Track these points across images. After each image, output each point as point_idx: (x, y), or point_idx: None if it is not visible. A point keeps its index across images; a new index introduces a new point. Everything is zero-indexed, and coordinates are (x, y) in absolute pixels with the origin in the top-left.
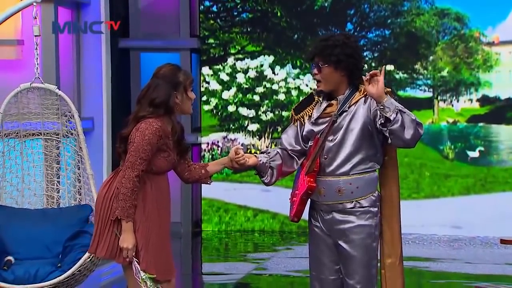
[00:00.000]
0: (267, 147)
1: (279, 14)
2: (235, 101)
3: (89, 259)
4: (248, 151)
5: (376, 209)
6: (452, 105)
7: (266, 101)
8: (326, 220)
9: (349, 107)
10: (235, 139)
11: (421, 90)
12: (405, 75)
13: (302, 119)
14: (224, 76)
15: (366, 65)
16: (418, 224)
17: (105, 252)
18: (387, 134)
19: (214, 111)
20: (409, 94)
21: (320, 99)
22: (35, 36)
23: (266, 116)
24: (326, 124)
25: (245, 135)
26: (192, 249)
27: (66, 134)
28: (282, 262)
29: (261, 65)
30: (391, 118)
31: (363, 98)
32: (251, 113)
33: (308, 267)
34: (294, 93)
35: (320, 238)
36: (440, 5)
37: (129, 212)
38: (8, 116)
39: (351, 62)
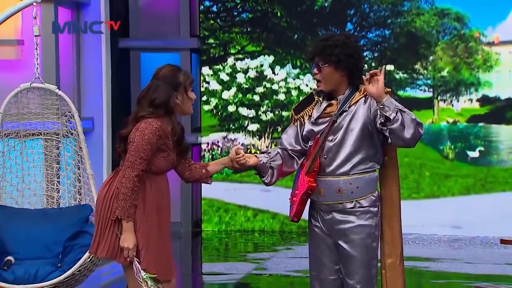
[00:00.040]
0: (267, 147)
1: (279, 14)
2: (235, 101)
3: (89, 259)
4: (248, 151)
5: (376, 209)
6: (452, 105)
7: (266, 101)
8: (326, 220)
9: (349, 107)
10: (235, 139)
11: (421, 90)
12: (405, 75)
13: (302, 119)
14: (224, 76)
15: (366, 65)
16: (418, 224)
17: (106, 252)
18: (387, 134)
19: (214, 111)
20: (409, 94)
21: (320, 99)
22: (35, 36)
23: (266, 116)
24: (326, 124)
25: (245, 135)
26: (192, 249)
27: (66, 134)
28: (282, 262)
29: (261, 65)
30: (391, 117)
31: (363, 98)
32: (251, 113)
33: (308, 267)
34: (294, 93)
35: (320, 238)
36: (440, 5)
37: (129, 212)
38: (8, 116)
39: (351, 62)
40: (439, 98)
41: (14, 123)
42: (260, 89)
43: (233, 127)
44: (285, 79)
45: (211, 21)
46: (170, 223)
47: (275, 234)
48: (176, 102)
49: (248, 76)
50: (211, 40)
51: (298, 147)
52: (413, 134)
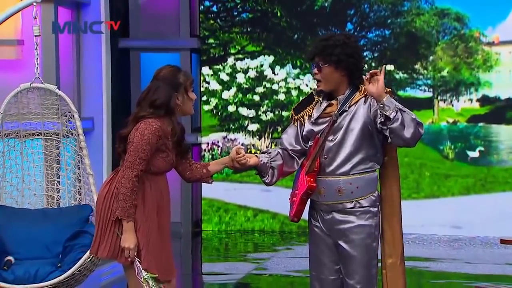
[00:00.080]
0: (267, 147)
1: (279, 14)
2: (235, 101)
3: (89, 259)
4: (248, 151)
5: (376, 209)
6: (452, 105)
7: (266, 101)
8: (326, 220)
9: (349, 107)
10: (235, 139)
11: (421, 90)
12: (405, 75)
13: (302, 119)
14: (224, 76)
15: (366, 65)
16: (418, 224)
17: (106, 252)
18: (387, 134)
19: (214, 111)
20: (409, 94)
21: (320, 99)
22: (35, 36)
23: (266, 116)
24: (326, 124)
25: (245, 135)
26: (192, 249)
27: (66, 134)
28: (282, 262)
29: (261, 65)
30: (391, 116)
31: (363, 98)
32: (251, 113)
33: (308, 267)
34: (294, 93)
35: (320, 238)
36: (440, 5)
37: (129, 212)
38: (8, 116)
39: (351, 62)
40: (439, 98)
41: (14, 123)
42: (260, 89)
43: (233, 127)
44: (285, 79)
45: (211, 21)
46: (170, 223)
47: (275, 234)
48: (176, 102)
49: (248, 76)
50: (211, 40)
51: (298, 147)
52: (413, 133)
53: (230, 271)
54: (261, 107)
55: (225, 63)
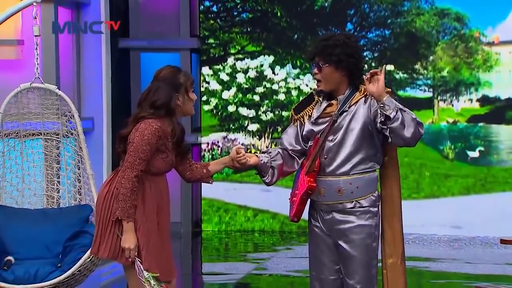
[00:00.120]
0: (267, 147)
1: (279, 14)
2: (235, 101)
3: (89, 259)
4: (248, 151)
5: (376, 209)
6: (452, 105)
7: (266, 101)
8: (326, 220)
9: (349, 107)
10: (235, 139)
11: (421, 90)
12: (405, 75)
13: (302, 119)
14: (224, 76)
15: (366, 65)
16: (418, 224)
17: (107, 253)
18: (387, 133)
19: (214, 111)
20: (409, 94)
21: (320, 99)
22: (35, 36)
23: (266, 116)
24: (326, 124)
25: (245, 135)
26: (192, 249)
27: (66, 134)
28: (282, 262)
29: (261, 65)
30: (391, 116)
31: (363, 98)
32: (251, 113)
33: (308, 267)
34: (294, 93)
35: (320, 238)
36: (440, 5)
37: (129, 213)
38: (8, 116)
39: (351, 62)
40: (439, 98)
41: (14, 123)
42: (260, 89)
43: (233, 127)
44: (285, 79)
45: (211, 21)
46: (170, 223)
47: (275, 234)
48: (177, 103)
49: (248, 76)
50: (211, 40)
51: (298, 147)
52: (413, 133)
53: (230, 271)
54: (261, 107)
55: (225, 63)
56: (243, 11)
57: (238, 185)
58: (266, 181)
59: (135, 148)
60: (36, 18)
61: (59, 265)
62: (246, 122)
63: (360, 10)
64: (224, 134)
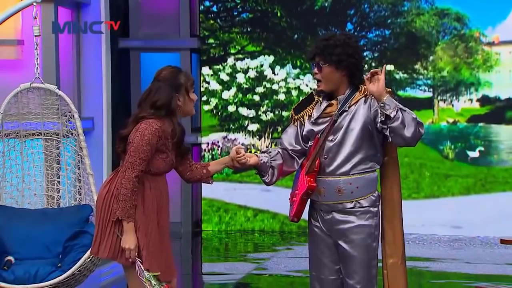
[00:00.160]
0: (267, 147)
1: (279, 14)
2: (235, 101)
3: (89, 259)
4: (248, 151)
5: (376, 209)
6: (452, 105)
7: (266, 101)
8: (326, 220)
9: (349, 107)
10: (235, 139)
11: (421, 90)
12: (405, 75)
13: (302, 119)
14: (224, 76)
15: (366, 65)
16: (418, 224)
17: (107, 253)
18: (387, 133)
19: (214, 111)
20: (409, 94)
21: (320, 99)
22: (35, 36)
23: (266, 116)
24: (326, 124)
25: (245, 135)
26: (192, 249)
27: (66, 134)
28: (282, 262)
29: (261, 65)
30: (392, 115)
31: (363, 98)
32: (251, 113)
33: (308, 267)
34: (294, 93)
35: (320, 238)
36: (440, 5)
37: (129, 213)
38: (8, 116)
39: (352, 62)
40: (439, 98)
41: (14, 123)
42: (260, 89)
43: (233, 127)
44: (285, 79)
45: (211, 21)
46: (170, 224)
47: (275, 234)
48: (177, 103)
49: (248, 76)
50: (211, 40)
51: (298, 147)
52: (413, 133)
53: (230, 271)
54: (261, 107)
55: (225, 63)
56: (243, 11)
57: (238, 185)
58: (266, 181)
59: (135, 148)
60: (36, 18)
61: (59, 265)
62: (246, 122)
63: (360, 10)
64: (224, 134)
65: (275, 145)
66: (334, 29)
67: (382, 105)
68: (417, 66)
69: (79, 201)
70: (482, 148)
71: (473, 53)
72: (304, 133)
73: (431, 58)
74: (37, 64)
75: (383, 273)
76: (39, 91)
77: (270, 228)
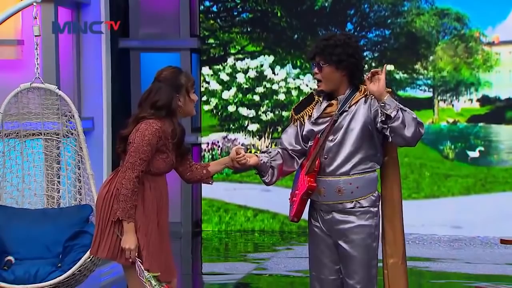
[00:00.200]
0: (267, 147)
1: (279, 14)
2: (235, 101)
3: (89, 259)
4: (248, 151)
5: (376, 209)
6: (452, 105)
7: (266, 101)
8: (326, 220)
9: (349, 107)
10: (235, 139)
11: (421, 90)
12: (405, 75)
13: (302, 119)
14: (224, 76)
15: (366, 65)
16: (418, 224)
17: (106, 253)
18: (388, 133)
19: (214, 111)
20: (409, 94)
21: (320, 99)
22: (35, 36)
23: (266, 116)
24: (327, 124)
25: (245, 135)
26: (192, 249)
27: (66, 134)
28: (282, 262)
29: (261, 65)
30: (392, 115)
31: (363, 98)
32: (251, 113)
33: (308, 267)
34: (294, 93)
35: (320, 238)
36: (440, 5)
37: (130, 213)
38: (8, 116)
39: (352, 62)
40: (439, 98)
41: (14, 123)
42: (260, 89)
43: (233, 127)
44: (285, 79)
45: (211, 21)
46: (169, 224)
47: (275, 234)
48: (178, 104)
49: (248, 76)
50: (211, 40)
51: (298, 147)
52: (413, 133)
53: (230, 271)
54: (261, 107)
55: (225, 63)
56: (243, 11)
57: (238, 185)
58: (266, 181)
59: (135, 149)
60: (36, 18)
61: (59, 265)
62: (246, 122)
63: (360, 10)
64: (224, 134)
65: (275, 145)
66: (334, 29)
67: (383, 104)
68: (417, 66)
69: (79, 201)
70: (482, 148)
71: (473, 53)
72: (304, 133)
73: (431, 58)
74: (37, 64)
75: (384, 273)
76: (39, 91)
77: (270, 228)
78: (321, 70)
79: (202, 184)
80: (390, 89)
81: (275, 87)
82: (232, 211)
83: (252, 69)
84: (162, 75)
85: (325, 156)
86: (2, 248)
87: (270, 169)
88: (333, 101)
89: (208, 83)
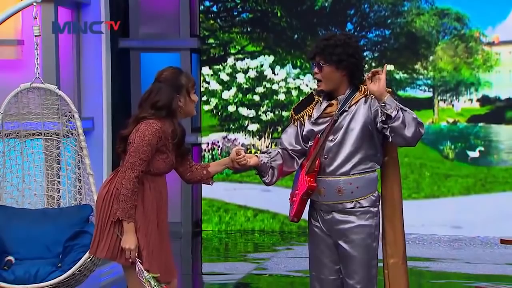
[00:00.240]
0: (267, 147)
1: (279, 14)
2: (235, 101)
3: (89, 259)
4: (248, 151)
5: (376, 209)
6: (452, 105)
7: (266, 101)
8: (326, 220)
9: (349, 107)
10: (235, 139)
11: (421, 90)
12: (405, 75)
13: (302, 119)
14: (224, 76)
15: (366, 65)
16: (418, 224)
17: (105, 253)
18: (388, 133)
19: (214, 111)
20: (409, 94)
21: (320, 99)
22: (35, 36)
23: (266, 116)
24: (327, 124)
25: (245, 135)
26: (192, 249)
27: (67, 134)
28: (282, 262)
29: (261, 65)
30: (393, 115)
31: (364, 98)
32: (251, 113)
33: (308, 267)
34: (294, 93)
35: (320, 238)
36: (440, 5)
37: (130, 213)
38: (8, 116)
39: (352, 62)
40: (439, 98)
41: (14, 123)
42: (260, 89)
43: (233, 127)
44: (285, 79)
45: (211, 21)
46: (169, 224)
47: (275, 234)
48: (178, 104)
49: (248, 76)
50: (211, 40)
51: (298, 147)
52: (414, 133)
53: (230, 271)
54: (261, 107)
55: (225, 63)
56: (243, 11)
57: (238, 185)
58: (266, 181)
59: (135, 149)
60: (36, 18)
61: (59, 265)
62: (246, 122)
63: (360, 10)
64: (224, 134)
65: (275, 145)
66: (334, 29)
67: (383, 104)
68: (417, 66)
69: (79, 201)
70: (482, 148)
71: (473, 53)
72: (304, 133)
73: (431, 58)
74: (37, 64)
75: (384, 273)
76: (39, 91)
77: (270, 228)
78: (321, 70)
79: (202, 184)
80: (390, 89)
81: (275, 87)
82: (232, 211)
83: (252, 69)
84: (162, 76)
85: (325, 156)
86: (2, 248)
87: (270, 170)
88: (333, 101)
89: (208, 83)
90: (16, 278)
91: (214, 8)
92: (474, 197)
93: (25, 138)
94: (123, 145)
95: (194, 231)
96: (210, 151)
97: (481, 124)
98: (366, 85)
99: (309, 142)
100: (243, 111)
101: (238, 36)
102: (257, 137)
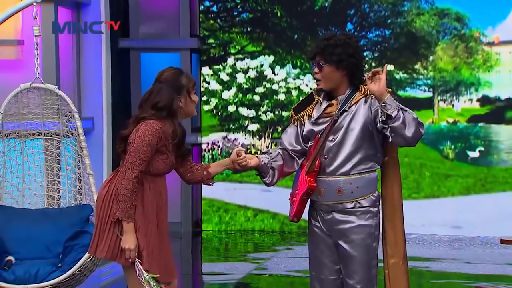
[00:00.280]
0: (267, 147)
1: (279, 14)
2: (235, 101)
3: (89, 259)
4: (248, 152)
5: (376, 209)
6: (452, 105)
7: (266, 101)
8: (326, 220)
9: (349, 107)
10: (235, 139)
11: (421, 90)
12: (405, 75)
13: (302, 119)
14: (224, 76)
15: (366, 65)
16: (418, 224)
17: (105, 253)
18: (388, 133)
19: (214, 111)
20: (409, 94)
21: (320, 99)
22: (35, 36)
23: (266, 116)
24: (327, 124)
25: (245, 135)
26: (192, 249)
27: (67, 134)
28: (282, 262)
29: (261, 65)
30: (393, 115)
31: (364, 98)
32: (251, 113)
33: (308, 267)
34: (294, 93)
35: (320, 238)
36: (440, 5)
37: (129, 213)
38: (8, 116)
39: (352, 62)
40: (439, 98)
41: (14, 123)
42: (260, 89)
43: (233, 127)
44: (285, 79)
45: (211, 21)
46: (169, 224)
47: (275, 234)
48: (179, 105)
49: (248, 76)
50: (211, 40)
51: (299, 147)
52: (414, 133)
53: (230, 271)
54: (261, 107)
55: (225, 63)
56: (243, 11)
57: (238, 185)
58: (267, 182)
59: (135, 149)
60: (36, 18)
61: (59, 265)
62: (246, 122)
63: (360, 10)
64: (224, 134)
65: (275, 145)
66: (334, 29)
67: (383, 104)
68: (417, 66)
69: (79, 201)
70: (482, 148)
71: (473, 53)
72: (304, 133)
73: (431, 58)
74: (37, 64)
75: (385, 273)
76: (39, 91)
77: (270, 228)
78: (321, 69)
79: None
80: (391, 89)
81: (275, 87)
82: (232, 211)
83: (252, 69)
84: (163, 76)
85: (325, 156)
86: (2, 248)
87: (271, 170)
88: (333, 101)
89: (208, 83)
90: (16, 278)
91: (214, 8)
92: (474, 197)
93: (25, 138)
94: (123, 145)
95: (194, 231)
96: (210, 151)
97: (481, 124)
98: (366, 85)
99: (309, 142)
100: (243, 111)
101: (238, 36)
102: (257, 137)
